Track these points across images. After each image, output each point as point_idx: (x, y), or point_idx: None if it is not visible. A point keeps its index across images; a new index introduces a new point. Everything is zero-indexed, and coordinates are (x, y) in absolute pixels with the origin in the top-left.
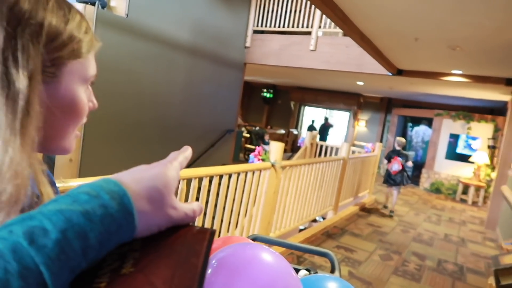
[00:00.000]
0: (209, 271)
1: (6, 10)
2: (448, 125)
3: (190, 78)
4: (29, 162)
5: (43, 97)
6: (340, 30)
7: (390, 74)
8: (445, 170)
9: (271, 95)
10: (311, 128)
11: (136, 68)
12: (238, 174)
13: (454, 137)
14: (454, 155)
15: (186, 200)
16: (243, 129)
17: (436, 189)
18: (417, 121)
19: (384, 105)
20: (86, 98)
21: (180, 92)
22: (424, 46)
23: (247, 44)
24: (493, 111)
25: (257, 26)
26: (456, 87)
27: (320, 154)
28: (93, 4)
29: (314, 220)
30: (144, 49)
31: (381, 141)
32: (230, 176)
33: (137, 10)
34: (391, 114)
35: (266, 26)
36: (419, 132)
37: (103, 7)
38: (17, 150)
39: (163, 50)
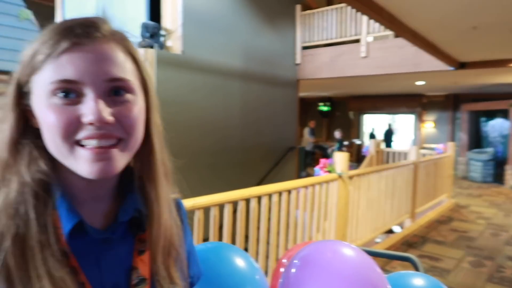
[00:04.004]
0: (293, 270)
1: None
2: None
3: (246, 102)
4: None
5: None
6: (391, 32)
7: (452, 68)
8: None
9: (329, 108)
10: (372, 136)
11: (195, 99)
12: (306, 187)
13: None
14: None
15: (259, 218)
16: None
17: None
18: (491, 115)
19: (451, 102)
20: (56, 109)
21: (238, 117)
22: (485, 34)
23: (297, 61)
24: None
25: (305, 42)
26: None
27: (387, 161)
28: (151, 47)
29: (391, 232)
30: (201, 81)
31: (453, 140)
32: (298, 191)
33: (191, 46)
34: (460, 110)
35: (314, 41)
36: (495, 126)
37: (161, 48)
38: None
39: (218, 79)
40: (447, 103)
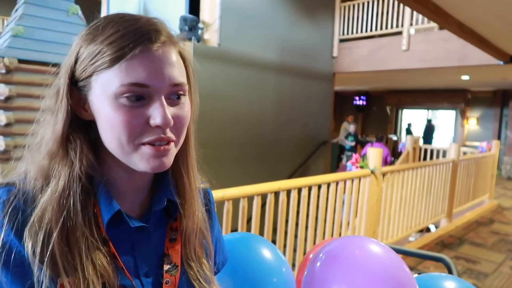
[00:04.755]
0: (318, 264)
1: None
2: None
3: (280, 95)
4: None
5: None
6: (435, 24)
7: (501, 62)
8: None
9: (365, 102)
10: (408, 132)
11: (230, 91)
12: (337, 183)
13: None
14: None
15: (287, 211)
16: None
17: None
18: None
19: (499, 98)
20: (125, 111)
21: (272, 109)
22: None
23: (334, 54)
24: None
25: (343, 34)
26: None
27: (425, 159)
28: (189, 39)
29: (428, 231)
30: (236, 73)
31: (498, 139)
32: (328, 186)
33: (227, 39)
34: (508, 107)
35: (352, 34)
36: None
37: (198, 41)
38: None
39: (253, 71)
40: (495, 99)
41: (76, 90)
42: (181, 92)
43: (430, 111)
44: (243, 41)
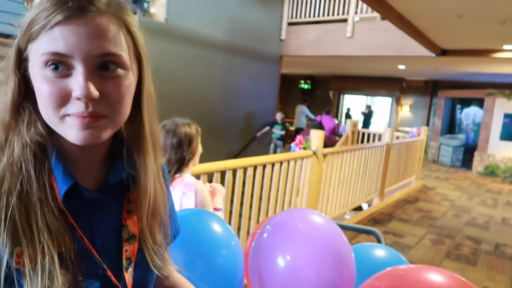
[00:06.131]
0: (264, 235)
1: None
2: (502, 105)
3: (228, 75)
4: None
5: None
6: (378, 14)
7: (434, 55)
8: (500, 152)
9: (309, 86)
10: (348, 116)
11: (177, 69)
12: (281, 163)
13: (510, 117)
14: (510, 136)
15: (233, 191)
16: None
17: (490, 172)
18: (466, 103)
19: (429, 88)
20: (49, 81)
21: (220, 89)
22: (470, 23)
23: (282, 37)
24: None
25: (291, 18)
26: (509, 63)
27: (362, 142)
28: (134, 13)
29: (360, 209)
30: (184, 51)
31: (427, 125)
32: (273, 166)
33: (175, 15)
34: (437, 97)
35: (300, 17)
36: (469, 114)
37: (144, 15)
38: None
39: (201, 50)
40: (426, 88)
41: (24, 60)
42: (114, 64)
43: (369, 97)
44: (191, 18)
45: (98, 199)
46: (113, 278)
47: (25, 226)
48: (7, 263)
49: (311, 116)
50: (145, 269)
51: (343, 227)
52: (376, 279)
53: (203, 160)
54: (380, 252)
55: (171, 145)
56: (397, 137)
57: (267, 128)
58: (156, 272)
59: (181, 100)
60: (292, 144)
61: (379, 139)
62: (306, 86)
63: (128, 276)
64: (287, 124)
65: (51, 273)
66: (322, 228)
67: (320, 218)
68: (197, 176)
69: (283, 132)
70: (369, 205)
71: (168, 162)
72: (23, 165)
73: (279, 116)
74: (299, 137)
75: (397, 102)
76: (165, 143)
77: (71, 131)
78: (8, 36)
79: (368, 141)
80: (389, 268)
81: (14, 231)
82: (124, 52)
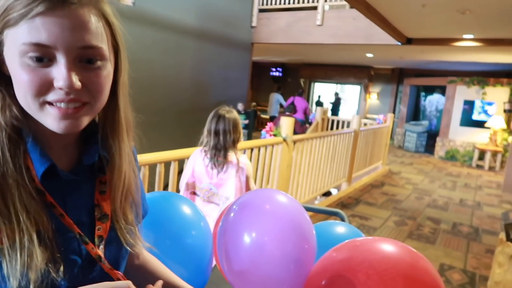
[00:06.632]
0: (231, 214)
1: None
2: (462, 92)
3: (198, 62)
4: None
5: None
6: (346, 3)
7: (399, 43)
8: (460, 137)
9: (281, 74)
10: (318, 103)
11: (146, 55)
12: (251, 149)
13: (469, 104)
14: (469, 122)
15: None
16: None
17: (451, 157)
18: (430, 90)
19: (396, 76)
20: (28, 70)
21: (190, 76)
22: (432, 12)
23: (253, 24)
24: (510, 74)
25: (262, 4)
26: (469, 52)
27: (332, 128)
28: None
29: (329, 194)
30: (152, 36)
31: (393, 112)
32: (244, 152)
33: None
34: (403, 84)
35: (271, 4)
36: (433, 101)
37: None
38: None
39: (170, 35)
40: (393, 76)
41: None
42: (95, 56)
43: (339, 85)
44: (160, 2)
45: (73, 179)
46: (93, 251)
47: (2, 206)
48: None
49: (284, 103)
50: (118, 247)
51: (310, 210)
52: (334, 251)
53: (172, 146)
54: (340, 228)
55: (223, 130)
56: (365, 124)
57: None
58: (129, 249)
59: (151, 84)
60: (263, 131)
61: (348, 126)
62: (277, 74)
63: (100, 253)
64: (258, 112)
65: (30, 250)
66: (287, 206)
67: (285, 198)
68: (168, 163)
69: (246, 121)
70: (338, 190)
71: (215, 146)
72: None
73: (240, 106)
74: (269, 124)
75: (366, 90)
76: (217, 128)
77: (51, 120)
78: None
79: (337, 128)
80: (347, 241)
81: None
82: (104, 44)
